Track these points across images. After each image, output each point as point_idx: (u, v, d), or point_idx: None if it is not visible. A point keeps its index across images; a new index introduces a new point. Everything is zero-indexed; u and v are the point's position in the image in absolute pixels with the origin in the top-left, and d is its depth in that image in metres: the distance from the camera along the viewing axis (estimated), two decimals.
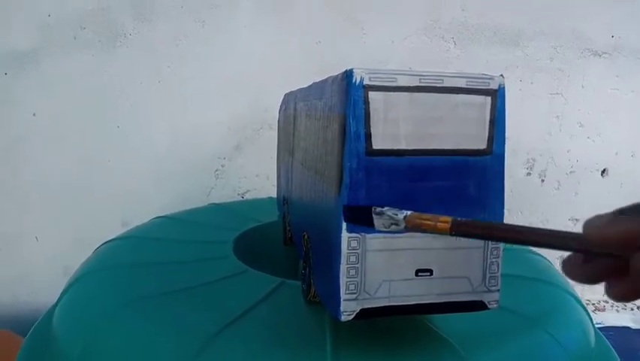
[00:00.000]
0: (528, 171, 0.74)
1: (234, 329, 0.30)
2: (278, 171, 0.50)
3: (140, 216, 0.51)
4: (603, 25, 0.72)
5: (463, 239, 0.25)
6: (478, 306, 0.25)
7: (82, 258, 0.43)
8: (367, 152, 0.24)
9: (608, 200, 0.75)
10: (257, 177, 0.68)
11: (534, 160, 0.74)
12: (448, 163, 0.24)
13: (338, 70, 0.26)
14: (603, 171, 0.76)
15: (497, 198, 0.25)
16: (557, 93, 0.72)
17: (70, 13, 0.62)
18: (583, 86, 0.72)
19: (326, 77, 0.29)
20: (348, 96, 0.24)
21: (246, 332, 0.30)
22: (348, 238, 0.24)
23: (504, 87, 0.25)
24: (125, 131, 0.66)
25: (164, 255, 0.41)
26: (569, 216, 0.75)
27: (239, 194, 0.69)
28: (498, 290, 0.26)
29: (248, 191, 0.69)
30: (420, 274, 0.25)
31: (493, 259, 0.25)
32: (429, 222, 0.21)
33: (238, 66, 0.66)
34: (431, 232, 0.21)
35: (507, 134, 0.25)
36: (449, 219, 0.20)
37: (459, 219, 0.20)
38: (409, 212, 0.22)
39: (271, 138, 0.52)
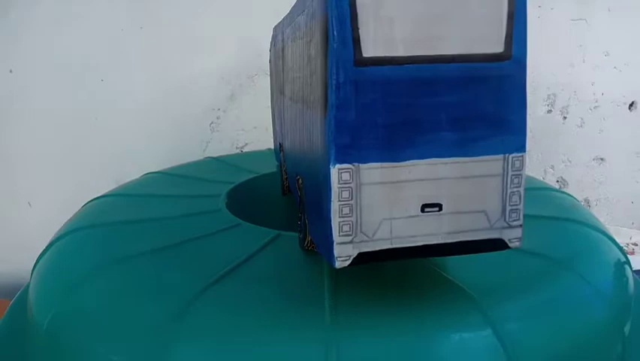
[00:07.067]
0: (549, 108, 0.68)
1: (222, 286, 0.26)
2: (273, 116, 0.46)
3: (134, 175, 0.48)
4: None
5: (478, 167, 0.21)
6: (498, 245, 0.21)
7: None
8: (356, 61, 0.19)
9: (636, 136, 0.70)
10: (255, 129, 0.64)
11: (555, 96, 0.67)
12: (457, 72, 0.20)
13: None
14: (631, 105, 0.69)
15: (519, 114, 0.20)
16: (581, 19, 0.65)
17: None
18: (609, 10, 0.65)
19: None
20: None
21: (234, 288, 0.26)
22: (339, 169, 0.20)
23: None
24: (111, 84, 0.61)
25: (151, 211, 0.38)
26: (594, 155, 0.70)
27: (237, 147, 0.64)
28: (521, 225, 0.21)
29: (246, 144, 0.65)
30: (427, 210, 0.20)
31: (515, 189, 0.21)
32: None
33: (227, 5, 0.60)
34: None
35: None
36: None
37: None
38: None
39: (267, 84, 0.48)
